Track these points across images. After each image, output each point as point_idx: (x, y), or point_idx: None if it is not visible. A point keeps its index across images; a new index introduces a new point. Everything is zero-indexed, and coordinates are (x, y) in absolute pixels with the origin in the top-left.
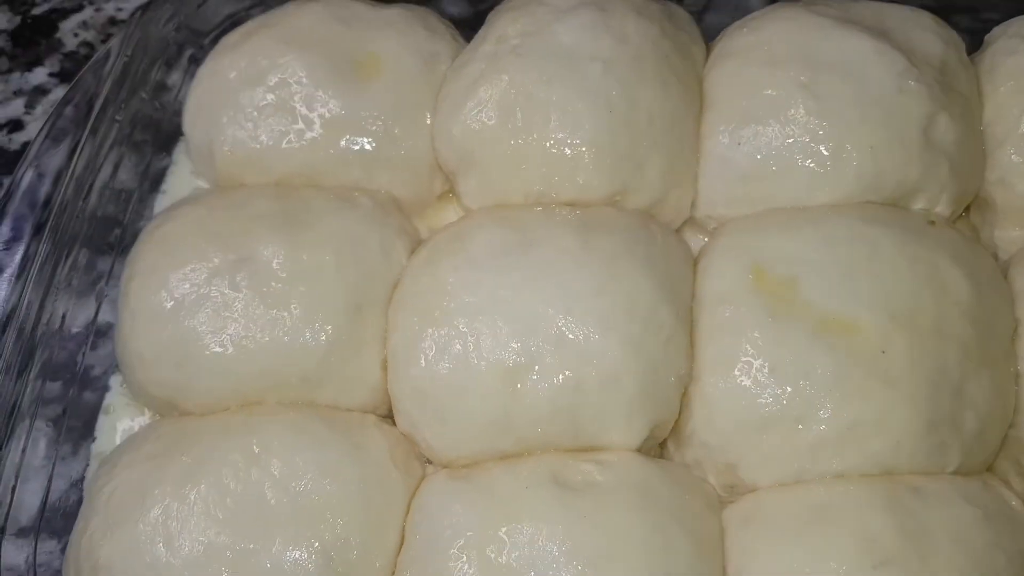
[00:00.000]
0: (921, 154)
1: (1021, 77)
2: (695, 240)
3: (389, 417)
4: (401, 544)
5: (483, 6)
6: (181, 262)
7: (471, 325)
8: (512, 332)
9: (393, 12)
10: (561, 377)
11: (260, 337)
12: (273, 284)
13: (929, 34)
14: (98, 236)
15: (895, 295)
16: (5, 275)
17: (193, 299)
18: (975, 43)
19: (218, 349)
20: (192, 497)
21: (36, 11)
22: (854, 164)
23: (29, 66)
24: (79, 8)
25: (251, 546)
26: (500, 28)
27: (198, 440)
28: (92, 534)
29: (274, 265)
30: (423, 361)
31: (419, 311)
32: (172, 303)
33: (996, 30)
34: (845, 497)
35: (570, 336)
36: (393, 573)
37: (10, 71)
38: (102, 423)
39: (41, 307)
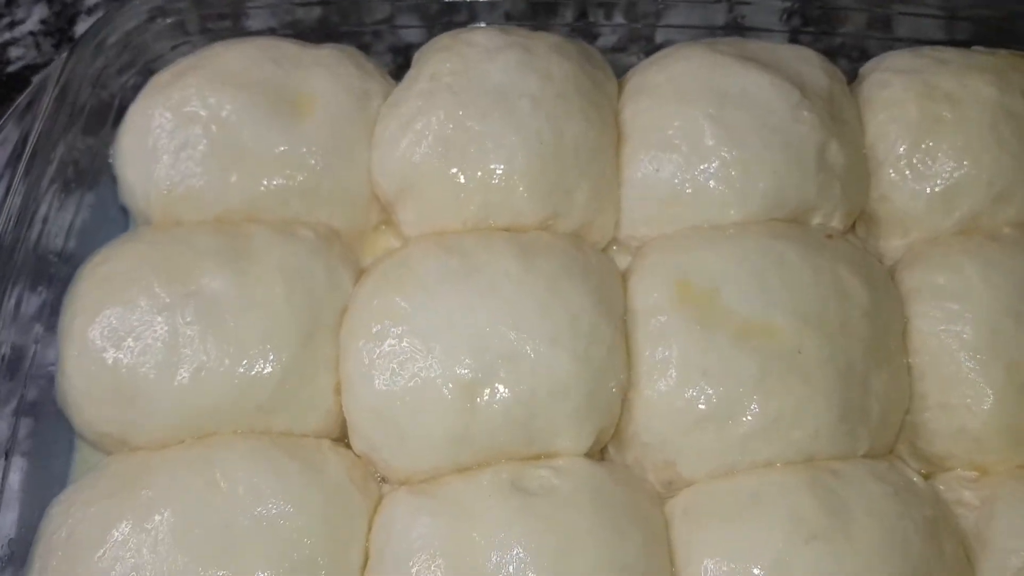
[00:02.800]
0: (816, 176)
1: (893, 107)
2: (620, 258)
3: (341, 440)
4: (366, 562)
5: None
6: (128, 299)
7: (426, 345)
8: (466, 351)
9: (323, 52)
10: (515, 390)
11: (214, 370)
12: (224, 317)
13: (816, 69)
14: (37, 272)
15: (804, 301)
16: None
17: (143, 335)
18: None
19: (171, 384)
20: (156, 528)
21: (10, 68)
22: (760, 186)
23: None
24: (49, 63)
25: (219, 572)
26: (432, 67)
27: (157, 473)
28: (52, 573)
29: (224, 298)
30: (379, 383)
31: (372, 335)
32: (121, 340)
33: (869, 64)
34: (774, 483)
35: (521, 352)
36: None
37: None
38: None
39: None
